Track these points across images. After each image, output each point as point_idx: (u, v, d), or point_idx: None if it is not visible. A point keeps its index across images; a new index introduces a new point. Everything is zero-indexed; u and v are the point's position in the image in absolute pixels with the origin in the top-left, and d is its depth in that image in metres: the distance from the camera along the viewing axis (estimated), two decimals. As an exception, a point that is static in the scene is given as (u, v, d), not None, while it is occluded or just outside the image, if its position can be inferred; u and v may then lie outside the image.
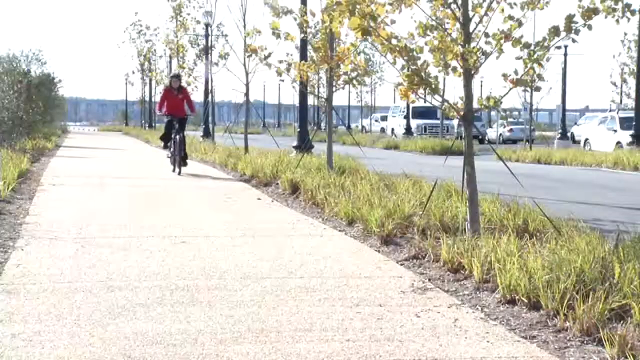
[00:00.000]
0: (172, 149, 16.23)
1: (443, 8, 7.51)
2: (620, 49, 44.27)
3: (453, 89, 54.90)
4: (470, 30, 7.45)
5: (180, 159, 15.79)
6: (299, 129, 21.36)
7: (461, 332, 4.89)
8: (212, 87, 31.25)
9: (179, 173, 15.69)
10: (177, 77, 17.28)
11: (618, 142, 29.10)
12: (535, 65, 7.26)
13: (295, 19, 13.51)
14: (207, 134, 31.49)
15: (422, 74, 7.43)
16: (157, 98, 49.84)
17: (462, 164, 7.78)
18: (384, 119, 55.90)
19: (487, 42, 7.36)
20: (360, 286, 6.05)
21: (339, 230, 8.81)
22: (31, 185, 13.17)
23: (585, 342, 4.68)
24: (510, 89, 7.52)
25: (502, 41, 7.27)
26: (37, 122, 26.24)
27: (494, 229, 7.41)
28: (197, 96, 40.42)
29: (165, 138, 16.58)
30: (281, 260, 6.98)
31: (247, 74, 19.40)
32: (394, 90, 48.92)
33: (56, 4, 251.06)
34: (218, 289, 5.85)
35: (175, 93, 16.19)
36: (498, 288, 5.68)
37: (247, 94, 20.49)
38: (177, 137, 15.86)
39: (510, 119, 44.65)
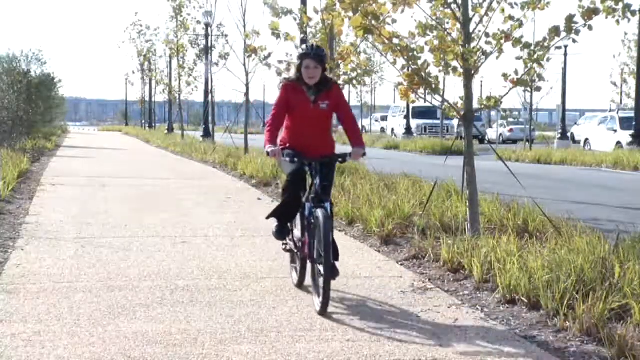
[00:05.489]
0: (298, 238, 6.00)
1: (443, 8, 7.51)
2: (620, 49, 44.34)
3: (453, 89, 54.88)
4: (471, 30, 7.45)
5: (327, 265, 5.24)
6: (299, 129, 21.32)
7: (461, 332, 4.88)
8: (212, 87, 31.33)
9: (323, 308, 5.24)
10: (322, 59, 5.80)
11: (618, 142, 29.07)
12: (535, 65, 7.26)
13: (295, 19, 13.51)
14: (207, 134, 31.58)
15: (423, 73, 7.44)
16: (159, 97, 50.05)
17: (462, 164, 7.78)
18: (384, 119, 55.86)
19: (487, 42, 7.36)
20: (360, 286, 6.05)
21: (339, 230, 8.81)
22: (31, 185, 13.17)
23: (585, 342, 4.68)
24: (511, 89, 7.53)
25: (502, 41, 7.28)
26: (37, 122, 26.27)
27: (494, 229, 7.41)
28: (197, 96, 40.52)
29: (285, 210, 6.02)
30: (281, 260, 6.98)
31: (247, 74, 19.46)
32: (394, 90, 49.03)
33: (56, 4, 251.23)
34: (218, 289, 5.86)
35: (313, 98, 5.89)
36: (498, 288, 5.68)
37: (247, 94, 20.52)
38: (320, 211, 5.45)
39: (510, 119, 44.56)
